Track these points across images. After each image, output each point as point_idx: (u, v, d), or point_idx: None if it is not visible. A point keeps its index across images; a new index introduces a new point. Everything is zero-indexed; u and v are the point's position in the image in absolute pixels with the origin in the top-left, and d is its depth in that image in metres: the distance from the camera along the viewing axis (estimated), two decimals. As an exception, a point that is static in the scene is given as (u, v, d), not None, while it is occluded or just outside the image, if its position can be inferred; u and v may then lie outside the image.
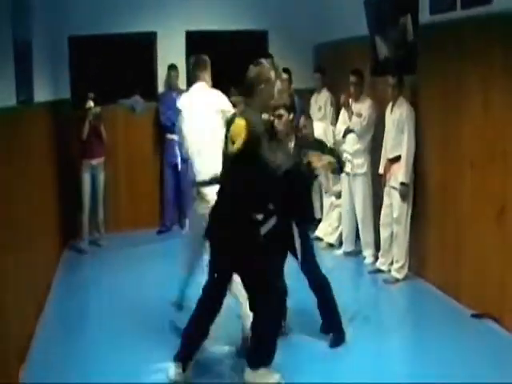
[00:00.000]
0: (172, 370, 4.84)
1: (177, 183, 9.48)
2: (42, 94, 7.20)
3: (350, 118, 7.66)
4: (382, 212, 7.27)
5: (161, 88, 9.69)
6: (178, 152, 9.24)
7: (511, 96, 5.51)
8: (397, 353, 5.56)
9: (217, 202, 4.72)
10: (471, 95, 6.09)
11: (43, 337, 5.80)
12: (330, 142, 8.24)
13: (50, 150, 7.92)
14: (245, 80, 4.65)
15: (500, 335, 5.58)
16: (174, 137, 9.28)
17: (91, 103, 8.59)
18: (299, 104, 8.80)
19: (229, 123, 4.67)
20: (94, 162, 8.74)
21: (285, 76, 8.64)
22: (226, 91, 9.65)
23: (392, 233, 7.16)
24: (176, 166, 9.33)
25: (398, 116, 7.02)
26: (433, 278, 6.87)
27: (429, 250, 6.95)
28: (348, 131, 7.74)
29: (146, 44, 9.64)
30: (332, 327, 5.56)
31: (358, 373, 5.05)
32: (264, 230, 4.59)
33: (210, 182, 5.21)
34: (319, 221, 8.71)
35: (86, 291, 7.29)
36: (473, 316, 5.94)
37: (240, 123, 4.46)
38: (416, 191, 7.00)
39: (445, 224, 6.61)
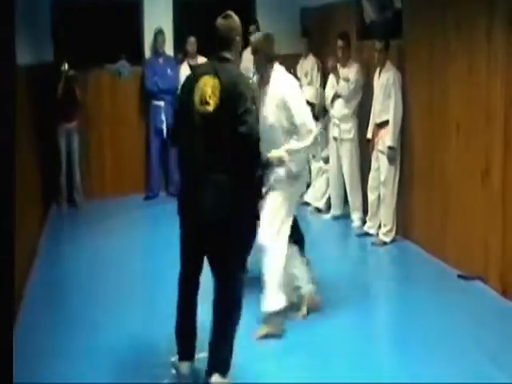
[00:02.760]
0: (183, 366, 4.42)
1: (162, 149, 9.44)
2: (24, 57, 7.11)
3: (337, 83, 7.64)
4: (370, 176, 7.29)
5: (147, 53, 9.60)
6: (163, 118, 9.22)
7: (495, 60, 5.54)
8: (384, 314, 5.61)
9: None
10: (456, 59, 6.11)
11: (30, 303, 5.77)
12: (321, 106, 8.25)
13: (32, 113, 7.85)
14: (217, 33, 4.33)
15: (485, 294, 5.64)
16: (161, 103, 9.29)
17: (66, 66, 8.58)
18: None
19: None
20: (69, 125, 8.82)
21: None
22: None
23: (379, 196, 7.19)
24: (161, 131, 9.28)
25: (384, 81, 7.01)
26: (420, 239, 6.92)
27: (415, 212, 6.99)
28: (336, 96, 7.72)
29: (133, 8, 9.53)
30: None
31: (345, 334, 5.09)
32: None
33: None
34: (307, 186, 8.72)
35: (73, 257, 7.23)
36: (459, 277, 5.99)
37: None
38: (403, 155, 7.02)
39: (431, 186, 6.65)
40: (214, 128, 4.06)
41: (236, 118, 3.99)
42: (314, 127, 4.94)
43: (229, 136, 4.02)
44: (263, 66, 5.09)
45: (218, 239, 4.12)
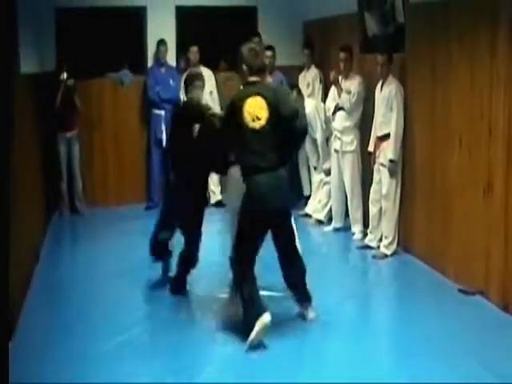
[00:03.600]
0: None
1: (163, 159, 9.44)
2: (28, 65, 7.14)
3: (339, 95, 7.66)
4: (372, 188, 7.29)
5: (150, 62, 9.61)
6: (163, 128, 9.24)
7: (498, 74, 5.55)
8: (383, 327, 5.59)
9: None
10: (459, 73, 6.13)
11: (31, 306, 5.83)
12: (321, 119, 8.27)
13: (35, 121, 7.87)
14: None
15: (486, 308, 5.64)
16: (161, 112, 9.31)
17: (65, 75, 8.60)
18: (284, 81, 8.86)
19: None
20: (69, 134, 8.87)
21: (269, 53, 8.62)
22: (214, 66, 9.70)
23: (381, 209, 7.18)
24: (161, 141, 9.29)
25: (387, 94, 7.02)
26: (421, 252, 6.91)
27: (417, 225, 6.99)
28: (337, 108, 7.74)
29: (136, 18, 9.56)
30: None
31: (345, 346, 5.09)
32: None
33: None
34: (308, 197, 8.75)
35: (73, 263, 7.32)
36: (460, 291, 5.98)
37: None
38: (404, 168, 7.02)
39: (433, 199, 6.65)
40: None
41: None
42: None
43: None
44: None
45: (285, 220, 5.24)
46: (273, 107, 5.08)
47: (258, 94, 5.11)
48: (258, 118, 5.06)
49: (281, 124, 5.11)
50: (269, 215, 5.10)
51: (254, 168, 5.10)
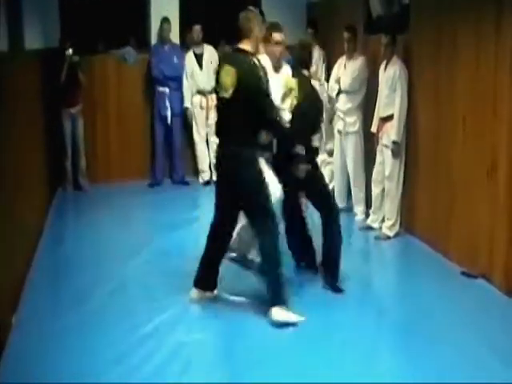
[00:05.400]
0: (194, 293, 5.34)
1: (167, 136, 9.48)
2: (33, 41, 7.15)
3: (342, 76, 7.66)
4: (374, 169, 7.29)
5: (153, 40, 9.60)
6: (168, 104, 9.27)
7: (503, 54, 5.52)
8: (385, 308, 5.60)
9: None
10: (463, 53, 6.10)
11: (35, 282, 5.86)
12: (324, 99, 8.25)
13: (39, 97, 7.89)
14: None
15: (488, 292, 5.64)
16: (166, 89, 9.33)
17: (70, 51, 8.59)
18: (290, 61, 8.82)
19: None
20: (73, 110, 8.89)
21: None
22: (216, 44, 9.68)
23: (383, 190, 7.19)
24: (166, 118, 9.33)
25: (391, 74, 7.00)
26: (423, 234, 6.92)
27: (420, 206, 7.00)
28: (340, 90, 7.73)
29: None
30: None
31: (347, 327, 5.11)
32: None
33: None
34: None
35: (77, 238, 7.35)
36: (463, 274, 5.99)
37: None
38: (408, 149, 7.02)
39: (436, 181, 6.65)
40: None
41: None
42: None
43: None
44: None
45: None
46: (240, 81, 4.97)
47: (230, 63, 5.08)
48: (226, 89, 5.05)
49: (247, 102, 4.99)
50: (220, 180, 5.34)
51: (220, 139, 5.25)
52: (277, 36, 5.57)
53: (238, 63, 5.02)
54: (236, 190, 5.16)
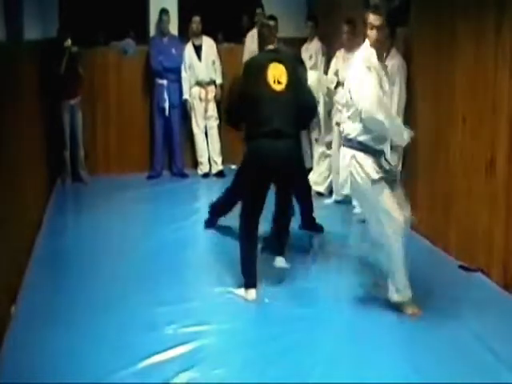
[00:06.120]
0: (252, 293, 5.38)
1: (166, 128, 9.48)
2: (31, 32, 7.13)
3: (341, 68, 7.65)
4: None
5: (153, 32, 9.60)
6: (166, 96, 9.27)
7: (503, 50, 5.51)
8: (382, 302, 5.60)
9: None
10: (463, 47, 6.09)
11: (34, 274, 5.86)
12: (323, 92, 8.25)
13: (37, 88, 7.88)
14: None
15: (486, 286, 5.64)
16: (164, 81, 9.32)
17: (69, 41, 8.57)
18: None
19: None
20: (72, 101, 8.86)
21: (271, 23, 8.58)
22: (215, 36, 9.67)
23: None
24: (164, 110, 9.33)
25: (389, 68, 6.98)
26: (422, 229, 6.92)
27: (419, 201, 6.98)
28: (339, 83, 7.72)
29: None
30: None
31: (344, 316, 5.15)
32: None
33: None
34: (309, 170, 8.75)
35: (76, 231, 7.38)
36: (460, 267, 6.01)
37: None
38: (406, 144, 6.99)
39: (435, 176, 6.66)
40: None
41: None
42: None
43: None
44: None
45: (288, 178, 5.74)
46: (291, 75, 5.46)
47: (280, 61, 5.47)
48: (279, 82, 5.39)
49: (297, 93, 5.50)
50: (270, 173, 5.45)
51: (270, 130, 5.33)
52: (370, 18, 5.16)
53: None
54: (289, 179, 5.72)
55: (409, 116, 6.93)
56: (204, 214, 7.09)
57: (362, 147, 4.96)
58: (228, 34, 10.41)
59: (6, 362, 4.35)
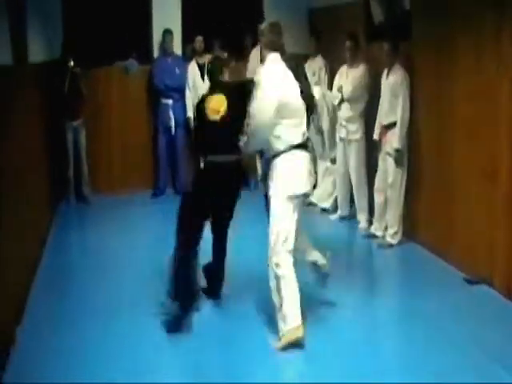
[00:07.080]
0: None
1: (170, 146, 9.52)
2: (36, 54, 7.20)
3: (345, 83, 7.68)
4: (377, 177, 7.29)
5: (156, 52, 9.67)
6: (171, 115, 9.32)
7: (502, 61, 5.55)
8: (388, 315, 5.62)
9: None
10: (464, 60, 6.13)
11: (37, 293, 5.92)
12: (328, 107, 8.26)
13: (42, 110, 7.94)
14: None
15: (490, 297, 5.66)
16: (169, 101, 9.38)
17: (72, 62, 8.65)
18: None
19: None
20: (75, 123, 8.94)
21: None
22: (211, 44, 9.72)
23: (386, 198, 7.20)
24: (170, 129, 9.39)
25: (392, 82, 7.02)
26: (426, 242, 6.92)
27: (422, 214, 7.00)
28: (343, 98, 7.75)
29: (142, 7, 9.60)
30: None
31: (350, 334, 5.14)
32: None
33: None
34: (314, 186, 8.75)
35: (80, 250, 7.47)
36: (465, 280, 6.00)
37: None
38: (410, 157, 7.02)
39: (437, 188, 6.67)
40: None
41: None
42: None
43: None
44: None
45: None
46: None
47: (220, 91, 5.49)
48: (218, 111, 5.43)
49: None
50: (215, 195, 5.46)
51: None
52: None
53: None
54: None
55: (412, 128, 6.95)
56: (208, 232, 7.07)
57: None
58: (231, 50, 10.45)
59: (13, 367, 4.48)
